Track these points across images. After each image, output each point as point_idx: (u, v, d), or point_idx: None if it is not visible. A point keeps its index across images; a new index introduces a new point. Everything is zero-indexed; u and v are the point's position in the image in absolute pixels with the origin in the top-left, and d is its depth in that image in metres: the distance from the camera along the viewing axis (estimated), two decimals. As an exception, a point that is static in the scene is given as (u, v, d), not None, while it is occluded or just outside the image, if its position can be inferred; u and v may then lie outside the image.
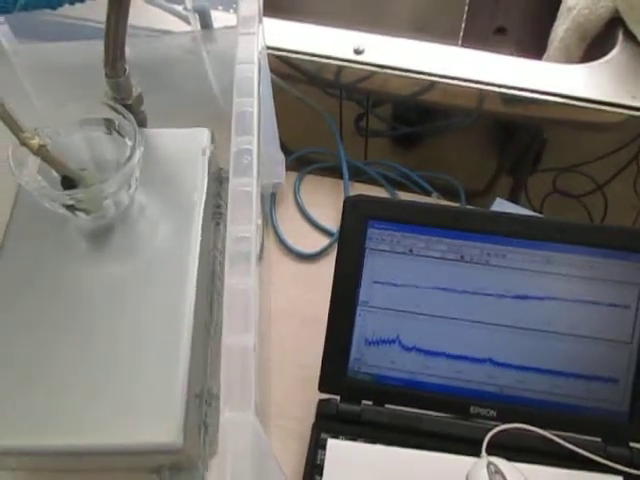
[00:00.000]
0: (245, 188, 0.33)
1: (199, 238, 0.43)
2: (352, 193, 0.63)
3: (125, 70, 0.45)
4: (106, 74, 0.44)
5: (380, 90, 0.61)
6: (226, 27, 0.49)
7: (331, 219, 0.61)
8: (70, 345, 0.39)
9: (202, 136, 0.47)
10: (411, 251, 0.46)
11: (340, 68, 0.60)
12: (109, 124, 0.44)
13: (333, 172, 0.65)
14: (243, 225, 0.32)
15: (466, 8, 0.90)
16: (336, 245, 0.49)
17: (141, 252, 0.42)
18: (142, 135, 0.40)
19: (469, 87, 0.60)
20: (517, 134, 0.76)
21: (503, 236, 0.46)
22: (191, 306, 0.41)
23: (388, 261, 0.46)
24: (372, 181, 0.64)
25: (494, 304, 0.46)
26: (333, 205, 0.62)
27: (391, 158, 0.69)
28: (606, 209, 0.76)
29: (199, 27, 0.49)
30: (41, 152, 0.39)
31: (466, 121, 0.70)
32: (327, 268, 0.48)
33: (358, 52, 0.57)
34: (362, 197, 0.47)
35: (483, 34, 0.96)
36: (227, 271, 0.30)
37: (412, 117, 0.74)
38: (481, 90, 0.60)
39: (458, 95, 0.61)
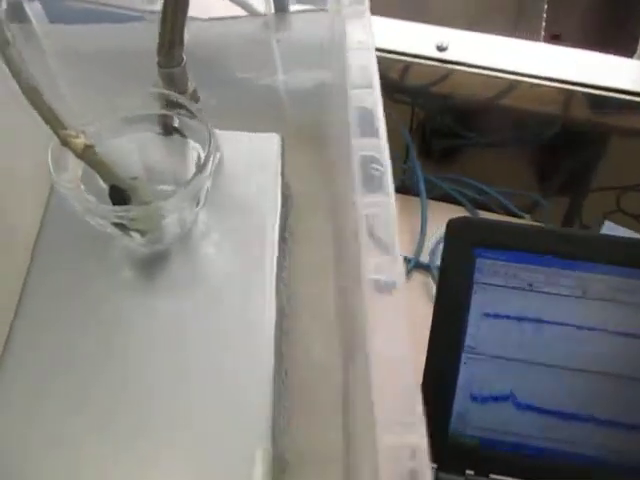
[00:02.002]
0: (377, 210, 0.24)
1: (275, 269, 0.35)
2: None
3: (182, 59, 0.36)
4: (159, 63, 0.36)
5: (458, 92, 0.53)
6: (305, 10, 0.40)
7: (404, 243, 0.53)
8: (119, 404, 0.31)
9: (273, 143, 0.39)
10: (530, 286, 0.38)
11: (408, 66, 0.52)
12: (166, 122, 0.35)
13: (401, 188, 0.57)
14: (380, 258, 0.23)
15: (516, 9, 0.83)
16: (413, 273, 0.41)
17: (206, 284, 0.33)
18: (216, 138, 0.31)
19: (557, 87, 0.53)
20: (577, 148, 0.68)
21: (631, 267, 0.38)
22: (270, 355, 0.32)
23: (501, 298, 0.38)
24: (443, 198, 0.56)
25: (630, 350, 0.37)
26: (406, 227, 0.53)
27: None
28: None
29: (272, 10, 0.40)
30: (87, 155, 0.30)
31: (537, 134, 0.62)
32: (407, 301, 0.40)
33: (441, 49, 0.49)
34: (468, 219, 0.39)
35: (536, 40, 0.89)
36: (370, 328, 0.22)
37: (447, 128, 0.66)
38: (568, 91, 0.53)
39: (543, 98, 0.54)
